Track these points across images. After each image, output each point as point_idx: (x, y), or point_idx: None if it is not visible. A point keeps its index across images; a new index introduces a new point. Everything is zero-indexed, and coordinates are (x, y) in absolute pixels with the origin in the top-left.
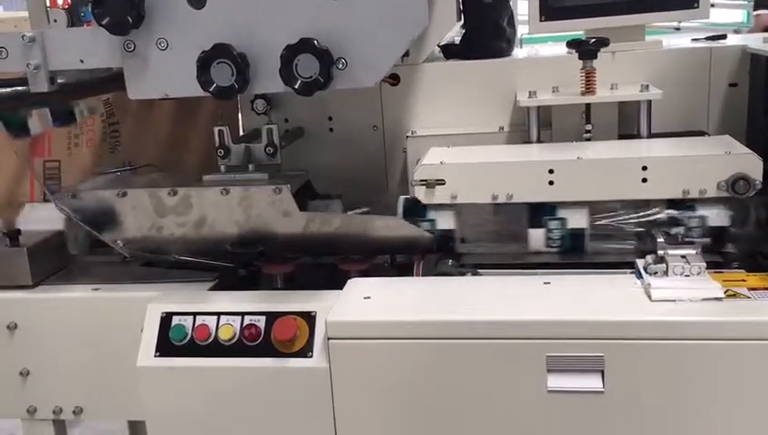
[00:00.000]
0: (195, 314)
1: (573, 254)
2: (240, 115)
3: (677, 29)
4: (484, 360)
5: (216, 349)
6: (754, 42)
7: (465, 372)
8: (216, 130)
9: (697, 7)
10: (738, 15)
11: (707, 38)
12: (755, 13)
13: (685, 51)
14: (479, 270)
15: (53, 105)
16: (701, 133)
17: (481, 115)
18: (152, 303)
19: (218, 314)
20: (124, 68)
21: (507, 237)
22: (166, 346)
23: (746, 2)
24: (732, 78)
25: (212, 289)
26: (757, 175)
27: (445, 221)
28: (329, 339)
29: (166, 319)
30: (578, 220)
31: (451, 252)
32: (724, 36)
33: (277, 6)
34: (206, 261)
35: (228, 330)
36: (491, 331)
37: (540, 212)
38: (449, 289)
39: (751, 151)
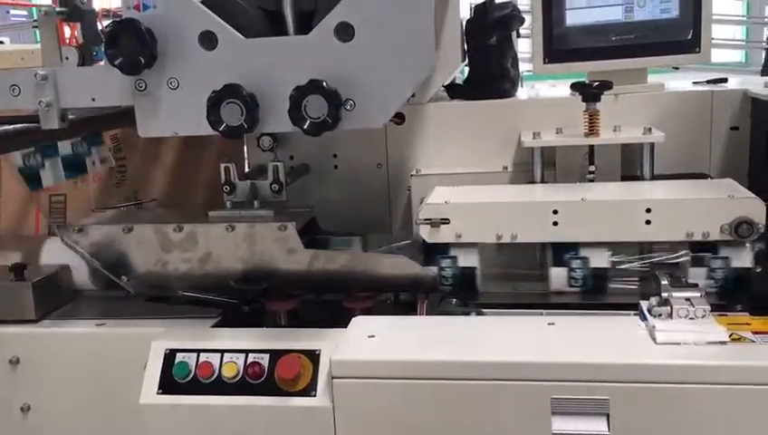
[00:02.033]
0: (198, 352)
1: (589, 294)
2: (246, 151)
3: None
4: (489, 401)
5: (219, 386)
6: (755, 86)
7: (469, 413)
8: (222, 166)
9: (699, 52)
10: (737, 56)
11: (708, 81)
12: None
13: (686, 94)
14: (483, 310)
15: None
16: (704, 176)
17: (485, 155)
18: (156, 339)
19: (222, 351)
20: (135, 106)
21: (526, 276)
22: (169, 383)
23: (745, 43)
24: (733, 121)
25: (215, 326)
26: (760, 219)
27: (467, 259)
28: (333, 378)
29: (169, 356)
30: (599, 260)
31: (471, 291)
32: (725, 80)
33: (287, 48)
34: (211, 297)
35: (232, 367)
36: (495, 372)
37: (561, 251)
38: (453, 329)
39: (754, 195)
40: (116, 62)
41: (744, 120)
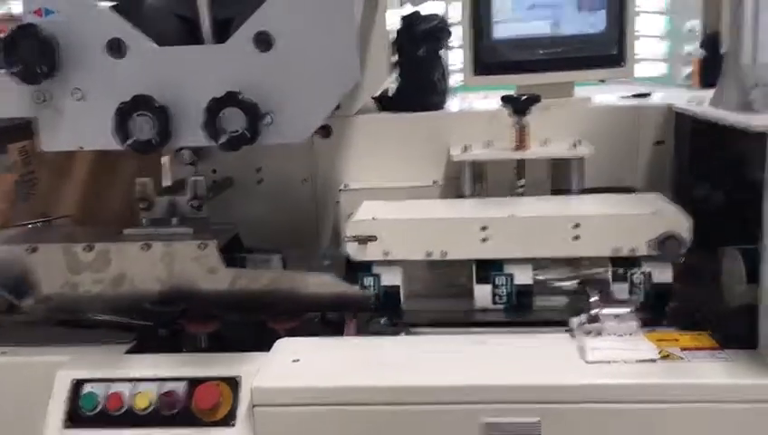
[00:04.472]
0: (108, 381)
1: (516, 311)
2: (165, 165)
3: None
4: (420, 426)
5: (130, 419)
6: (679, 100)
7: None
8: (138, 181)
9: (624, 66)
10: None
11: (634, 95)
12: None
13: (613, 108)
14: (412, 329)
15: None
16: (630, 190)
17: (415, 168)
18: (62, 368)
19: (134, 380)
20: (37, 119)
21: (453, 294)
22: (76, 417)
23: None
24: (658, 136)
25: (129, 351)
26: (686, 234)
27: (390, 277)
28: (254, 406)
29: (76, 386)
30: (524, 277)
31: (396, 309)
32: (649, 94)
33: (202, 58)
34: (124, 320)
35: (144, 398)
36: (425, 396)
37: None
38: (382, 350)
39: (680, 210)
40: (14, 71)
41: (668, 134)
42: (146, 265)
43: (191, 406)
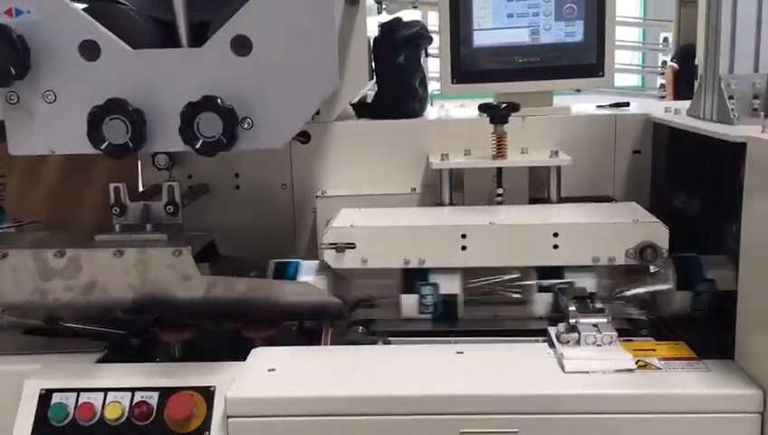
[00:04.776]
0: (78, 391)
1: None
2: (140, 170)
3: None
4: None
5: (101, 430)
6: (656, 110)
7: None
8: (111, 186)
9: (603, 76)
10: (634, 80)
11: (612, 105)
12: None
13: (591, 117)
14: (390, 338)
15: None
16: (608, 199)
17: (393, 176)
18: (30, 378)
19: (105, 390)
20: (6, 121)
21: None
22: (44, 428)
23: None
24: (636, 145)
25: (100, 361)
26: (663, 243)
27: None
28: (228, 417)
29: (45, 396)
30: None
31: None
32: (627, 104)
33: (178, 62)
34: (95, 328)
35: (116, 408)
36: (403, 406)
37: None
38: (359, 360)
39: (657, 220)
40: None
41: (646, 143)
42: (118, 272)
43: (164, 417)
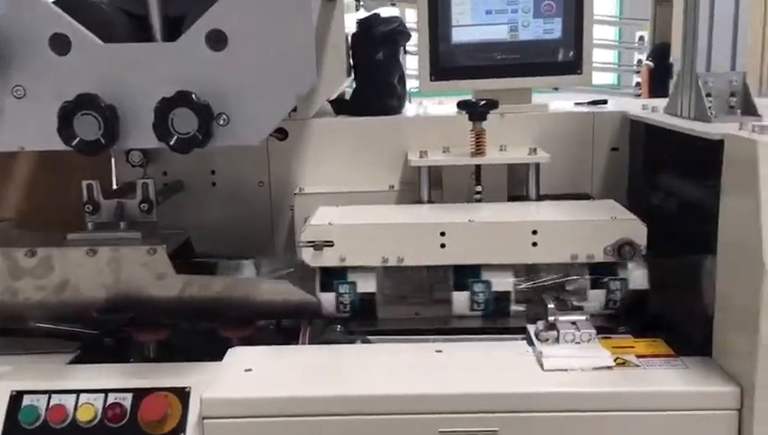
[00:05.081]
0: (50, 393)
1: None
2: (113, 167)
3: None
4: None
5: (73, 432)
6: (634, 108)
7: None
8: (84, 183)
9: (581, 73)
10: (610, 78)
11: (590, 102)
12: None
13: (569, 115)
14: (368, 337)
15: None
16: (586, 196)
17: (371, 173)
18: (0, 379)
19: (78, 391)
20: None
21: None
22: (14, 431)
23: (617, 66)
24: (613, 143)
25: (72, 362)
26: (641, 240)
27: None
28: (204, 418)
29: (15, 398)
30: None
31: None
32: (605, 101)
33: (151, 55)
34: (68, 328)
35: (88, 410)
36: (381, 406)
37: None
38: (337, 359)
39: (635, 217)
40: None
41: (623, 141)
42: (91, 271)
43: (138, 418)
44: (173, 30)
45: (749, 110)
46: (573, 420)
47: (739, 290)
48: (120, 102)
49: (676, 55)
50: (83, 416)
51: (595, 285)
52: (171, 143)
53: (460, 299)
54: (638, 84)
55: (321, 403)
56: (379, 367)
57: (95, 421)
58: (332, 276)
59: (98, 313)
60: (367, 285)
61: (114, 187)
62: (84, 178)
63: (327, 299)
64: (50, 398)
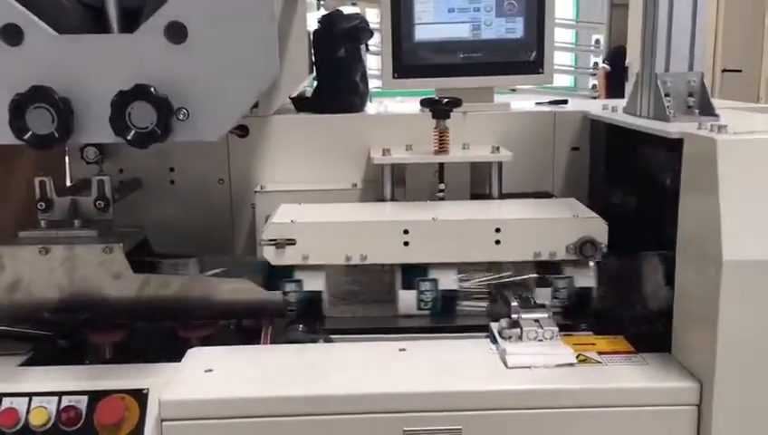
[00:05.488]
0: (1, 396)
1: (440, 317)
2: (68, 163)
3: (513, 90)
4: None
5: None
6: (594, 108)
7: None
8: (36, 180)
9: (542, 73)
10: (566, 81)
11: (550, 102)
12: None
13: (531, 114)
14: (331, 336)
15: None
16: (548, 195)
17: (333, 171)
18: None
19: (30, 394)
20: None
21: (374, 299)
22: None
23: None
24: (574, 142)
25: (24, 364)
26: (602, 238)
27: (313, 283)
28: (163, 421)
29: None
30: (449, 282)
31: (318, 316)
32: (565, 101)
33: (108, 47)
34: (19, 330)
35: (41, 414)
36: (344, 406)
37: (411, 273)
38: (299, 359)
39: (596, 215)
40: None
41: (584, 140)
42: (44, 270)
43: (93, 422)
44: (130, 21)
45: (707, 110)
46: (537, 417)
47: (698, 286)
48: (76, 95)
49: (631, 58)
50: (36, 420)
51: (545, 283)
52: (129, 138)
53: (407, 298)
54: (594, 87)
55: (283, 404)
56: (342, 366)
57: (48, 425)
58: (413, 274)
59: (51, 313)
60: (315, 283)
61: (68, 184)
62: (36, 175)
63: (406, 297)
64: (0, 401)
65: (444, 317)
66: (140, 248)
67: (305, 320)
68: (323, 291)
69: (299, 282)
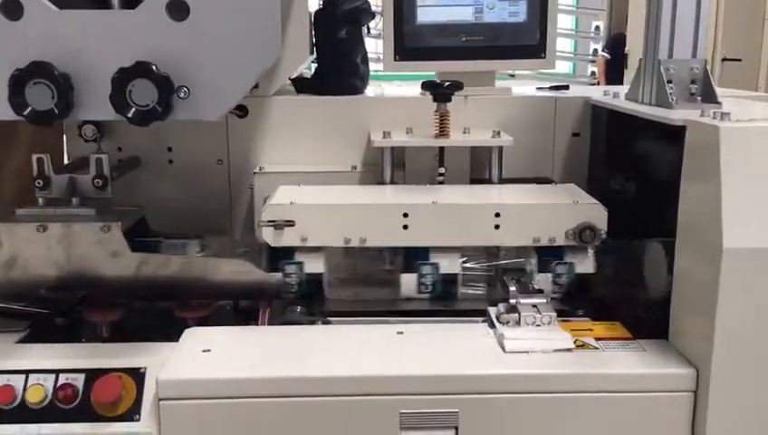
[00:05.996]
0: None
1: (440, 300)
2: (65, 141)
3: (512, 75)
4: (334, 418)
5: (23, 414)
6: (596, 94)
7: (314, 433)
8: (34, 157)
9: (544, 57)
10: (565, 67)
11: (551, 87)
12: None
13: (532, 99)
14: (329, 318)
15: None
16: (548, 180)
17: (333, 153)
18: None
19: (27, 371)
20: None
21: (376, 282)
22: None
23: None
24: (575, 128)
25: (21, 341)
26: (602, 224)
27: (314, 265)
28: (160, 400)
29: None
30: (451, 266)
31: (319, 298)
32: (566, 87)
33: (109, 23)
34: (16, 307)
35: (38, 391)
36: (341, 387)
37: (412, 257)
38: (297, 340)
39: (596, 201)
40: None
41: (584, 126)
42: (41, 247)
43: (90, 400)
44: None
45: (709, 97)
46: (534, 402)
47: (697, 273)
48: (76, 72)
49: (631, 46)
50: (33, 397)
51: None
52: (129, 115)
53: (407, 281)
54: (593, 74)
55: (280, 384)
56: (339, 348)
57: (45, 402)
58: (414, 257)
59: (48, 291)
60: (315, 266)
61: (66, 162)
62: (34, 152)
63: (407, 280)
64: None
65: (443, 301)
66: (138, 227)
67: (304, 302)
68: (324, 273)
69: (300, 264)
